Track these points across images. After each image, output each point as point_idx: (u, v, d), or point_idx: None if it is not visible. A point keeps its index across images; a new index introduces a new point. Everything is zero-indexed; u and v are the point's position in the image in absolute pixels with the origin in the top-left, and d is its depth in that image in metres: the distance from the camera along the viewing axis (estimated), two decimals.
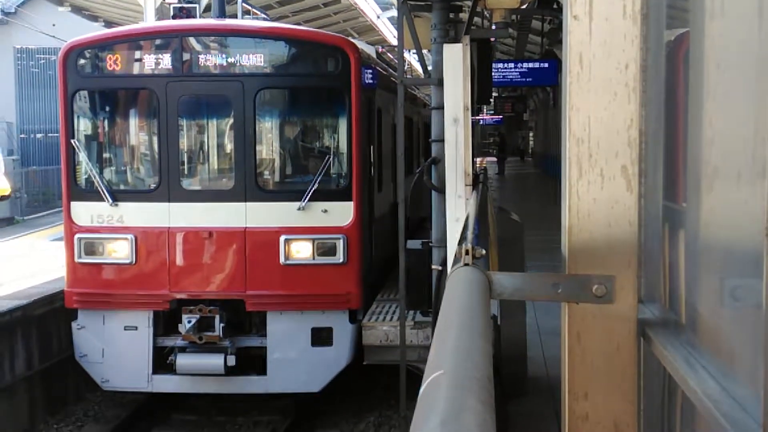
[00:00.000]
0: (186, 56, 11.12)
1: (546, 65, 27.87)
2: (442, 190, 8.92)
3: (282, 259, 10.87)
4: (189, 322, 10.60)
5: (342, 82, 11.08)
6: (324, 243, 10.92)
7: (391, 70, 17.82)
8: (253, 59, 11.10)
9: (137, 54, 11.31)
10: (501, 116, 58.63)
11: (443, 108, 8.00)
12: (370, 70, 12.58)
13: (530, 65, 28.27)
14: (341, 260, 10.92)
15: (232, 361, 10.54)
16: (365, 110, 11.74)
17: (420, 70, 12.55)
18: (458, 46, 7.74)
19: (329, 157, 11.16)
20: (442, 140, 8.62)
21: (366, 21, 29.47)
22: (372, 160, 12.37)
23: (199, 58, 11.13)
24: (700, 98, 2.15)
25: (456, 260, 2.42)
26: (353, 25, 29.35)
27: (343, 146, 11.27)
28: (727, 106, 1.96)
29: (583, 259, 2.33)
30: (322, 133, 12.15)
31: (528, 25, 27.58)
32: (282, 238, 10.87)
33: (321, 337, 10.92)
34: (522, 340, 9.19)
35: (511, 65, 28.19)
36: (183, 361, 10.64)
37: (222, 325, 10.59)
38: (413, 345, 10.21)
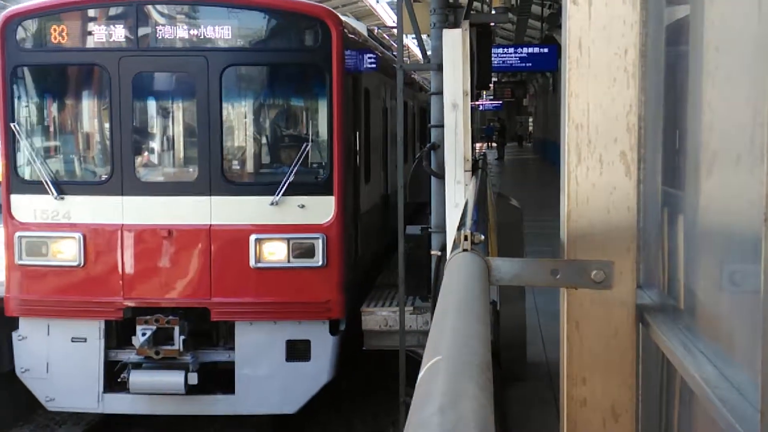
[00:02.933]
0: (143, 28, 9.72)
1: (546, 50, 27.82)
2: (441, 176, 8.92)
3: (252, 262, 9.59)
4: (143, 334, 9.30)
5: (321, 58, 9.73)
6: (301, 243, 9.66)
7: (383, 50, 16.35)
8: (220, 32, 9.72)
9: (87, 25, 9.85)
10: (501, 102, 58.55)
11: (443, 93, 7.98)
12: (357, 47, 11.47)
13: (530, 50, 28.22)
14: (320, 263, 9.63)
15: (193, 379, 9.31)
16: (349, 91, 10.42)
17: (419, 54, 12.20)
18: (457, 31, 7.72)
19: (307, 145, 9.74)
20: (441, 125, 8.61)
21: (365, 6, 29.40)
22: (357, 147, 11.14)
23: (157, 29, 9.71)
24: (699, 83, 2.15)
25: (455, 246, 2.42)
26: (352, 10, 29.30)
27: (323, 132, 9.95)
28: (726, 90, 1.96)
29: (582, 244, 2.33)
30: (298, 117, 10.75)
31: (528, 9, 27.52)
32: (252, 237, 9.58)
33: (297, 350, 9.70)
34: (521, 326, 9.22)
35: (511, 50, 28.14)
36: (137, 379, 9.31)
37: (182, 337, 9.36)
38: (412, 330, 10.22)
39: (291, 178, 9.53)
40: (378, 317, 10.80)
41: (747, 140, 1.75)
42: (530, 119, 71.32)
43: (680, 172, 2.38)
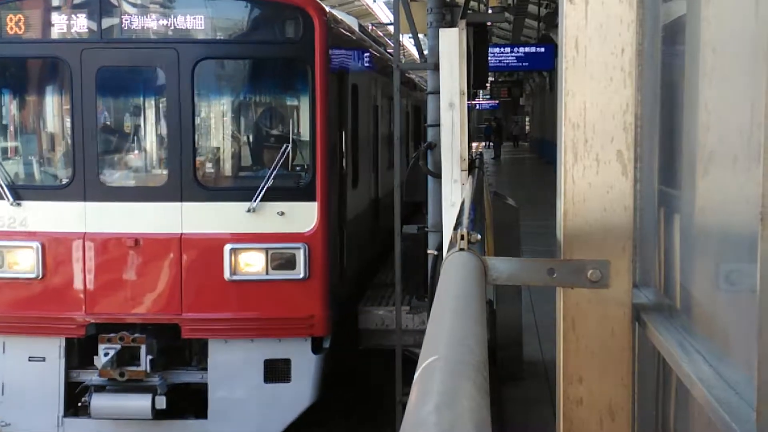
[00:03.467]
0: (108, 18, 8.85)
1: (542, 50, 27.86)
2: (438, 175, 8.93)
3: (227, 274, 8.79)
4: (106, 354, 8.46)
5: (303, 51, 8.93)
6: (280, 253, 8.87)
7: (375, 45, 15.60)
8: (192, 22, 8.85)
9: (47, 15, 8.94)
10: (497, 101, 58.61)
11: (439, 93, 7.99)
12: (345, 40, 10.70)
13: (527, 50, 28.25)
14: (302, 275, 8.83)
15: (161, 403, 8.49)
16: (335, 88, 9.61)
17: (415, 53, 12.09)
18: (454, 31, 7.72)
19: (287, 147, 8.88)
20: (438, 125, 8.61)
21: (362, 5, 29.40)
22: (344, 149, 10.27)
23: (123, 19, 8.82)
24: (695, 82, 2.15)
25: (452, 245, 2.42)
26: (349, 9, 29.27)
27: (305, 132, 9.16)
28: (723, 90, 1.96)
29: (578, 244, 2.33)
30: (278, 116, 9.77)
31: (524, 9, 27.55)
32: (227, 247, 8.78)
33: (276, 371, 8.89)
34: (517, 325, 9.23)
35: (508, 50, 28.17)
36: (99, 402, 8.51)
37: (149, 357, 8.55)
38: (409, 329, 10.23)
39: (270, 183, 8.77)
40: (374, 316, 10.80)
41: (743, 140, 1.75)
42: (527, 118, 71.38)
43: (677, 172, 2.38)
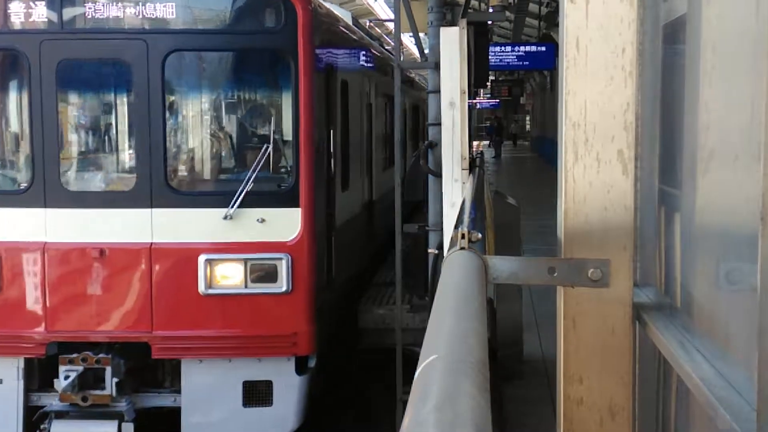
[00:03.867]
0: (70, 6, 8.07)
1: (543, 49, 27.86)
2: (439, 174, 8.93)
3: (202, 288, 7.98)
4: (66, 377, 7.65)
5: (285, 42, 8.14)
6: (260, 265, 8.09)
7: (369, 39, 14.80)
8: (162, 10, 8.03)
9: (3, 3, 8.15)
10: (498, 100, 58.59)
11: (440, 92, 7.98)
12: (333, 32, 9.94)
13: (527, 49, 28.25)
14: (284, 288, 8.04)
15: (129, 430, 7.75)
16: (322, 83, 8.81)
17: (415, 51, 12.03)
18: (455, 30, 7.72)
19: (268, 147, 8.15)
20: (438, 124, 8.61)
21: (362, 3, 29.39)
22: (332, 149, 9.47)
23: (87, 8, 8.02)
24: (696, 82, 2.15)
25: (452, 244, 2.42)
26: (349, 8, 29.27)
27: (288, 131, 8.32)
28: (723, 89, 1.96)
29: (579, 243, 2.34)
30: (258, 114, 8.90)
31: (525, 8, 27.55)
32: (202, 258, 7.98)
33: (256, 393, 8.13)
34: (518, 324, 9.23)
35: (508, 48, 28.17)
36: (60, 430, 7.74)
37: (116, 379, 7.75)
38: (409, 328, 10.23)
39: (249, 187, 7.98)
40: (375, 315, 10.80)
41: (744, 139, 1.75)
42: (527, 117, 71.38)
43: (677, 171, 2.38)
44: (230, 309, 8.13)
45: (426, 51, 10.95)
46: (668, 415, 2.46)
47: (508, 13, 26.40)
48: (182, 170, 8.63)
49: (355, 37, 12.03)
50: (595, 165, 2.33)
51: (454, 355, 1.28)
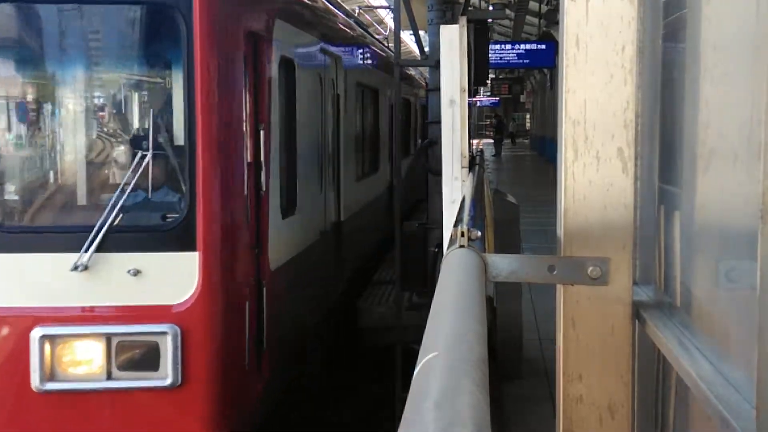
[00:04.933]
0: None
1: (543, 47, 27.86)
2: (438, 173, 8.93)
3: (36, 381, 5.30)
4: None
5: None
6: (132, 342, 5.42)
7: (345, 18, 11.90)
8: None
9: None
10: (498, 98, 58.61)
11: (439, 90, 7.98)
12: None
13: (527, 47, 28.24)
14: (169, 380, 5.38)
15: None
16: (240, 59, 6.04)
17: (415, 49, 11.85)
18: (455, 27, 7.71)
19: (145, 157, 5.49)
20: (438, 122, 8.62)
21: (363, 2, 29.38)
22: (265, 158, 6.58)
23: None
24: (696, 80, 2.15)
25: (452, 242, 2.42)
26: (350, 6, 29.25)
27: (180, 131, 5.60)
28: (724, 88, 1.96)
29: (579, 241, 2.34)
30: (132, 105, 6.00)
31: (525, 6, 27.54)
32: (36, 333, 5.31)
33: None
34: (518, 322, 9.23)
35: (508, 46, 28.17)
36: None
37: None
38: (409, 326, 10.23)
39: (114, 220, 5.42)
40: (374, 314, 10.79)
41: (744, 138, 1.75)
42: (527, 115, 71.39)
43: (677, 170, 2.38)
44: (84, 414, 5.39)
45: (426, 49, 10.94)
46: (667, 413, 2.46)
47: (508, 11, 26.41)
48: (10, 194, 5.68)
49: (308, 1, 8.81)
50: (594, 163, 2.33)
51: (453, 353, 1.28)
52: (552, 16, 27.82)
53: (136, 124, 6.10)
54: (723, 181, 1.94)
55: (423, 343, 1.39)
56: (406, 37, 26.28)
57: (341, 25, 10.90)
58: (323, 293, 9.05)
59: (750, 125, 1.69)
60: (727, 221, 1.93)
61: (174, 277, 5.58)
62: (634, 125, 2.34)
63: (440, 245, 9.22)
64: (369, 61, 12.88)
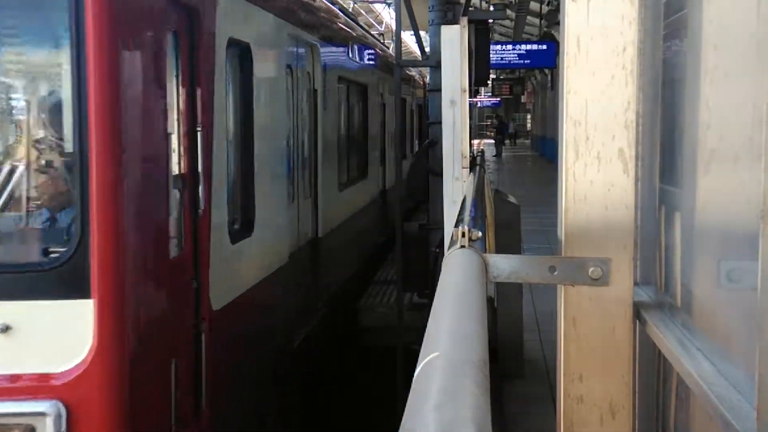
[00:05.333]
0: None
1: (544, 47, 27.85)
2: (439, 173, 8.93)
3: None
4: None
5: None
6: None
7: (326, 2, 10.61)
8: None
9: None
10: (499, 99, 58.61)
11: (440, 90, 7.98)
12: None
13: (528, 47, 28.24)
14: None
15: None
16: (157, 43, 4.73)
17: (416, 50, 11.73)
18: (456, 28, 7.71)
19: (17, 170, 4.29)
20: (439, 122, 8.61)
21: (365, 3, 29.36)
22: (206, 166, 5.37)
23: None
24: (697, 81, 2.15)
25: (452, 242, 2.42)
26: (351, 6, 29.24)
27: (67, 131, 4.31)
28: (725, 88, 1.96)
29: (579, 241, 2.33)
30: (6, 101, 4.59)
31: (526, 6, 27.54)
32: None
33: None
34: (518, 323, 9.22)
35: (509, 47, 28.15)
36: None
37: None
38: (410, 327, 10.23)
39: None
40: (376, 314, 10.79)
41: (745, 138, 1.75)
42: (528, 116, 71.41)
43: (678, 170, 2.38)
44: None
45: (427, 49, 10.94)
46: (668, 414, 2.46)
47: (509, 12, 26.41)
48: None
49: None
50: (595, 163, 2.33)
51: (454, 353, 1.28)
52: (553, 17, 27.81)
53: (11, 124, 4.46)
54: (724, 181, 1.94)
55: (424, 343, 1.39)
56: (406, 36, 26.30)
57: (321, 12, 9.79)
58: (294, 325, 7.64)
59: (751, 126, 1.69)
60: (728, 222, 1.93)
61: (58, 334, 4.07)
62: (635, 126, 2.34)
63: (441, 246, 9.22)
64: (356, 55, 11.52)
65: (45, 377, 4.01)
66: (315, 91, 8.82)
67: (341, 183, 10.47)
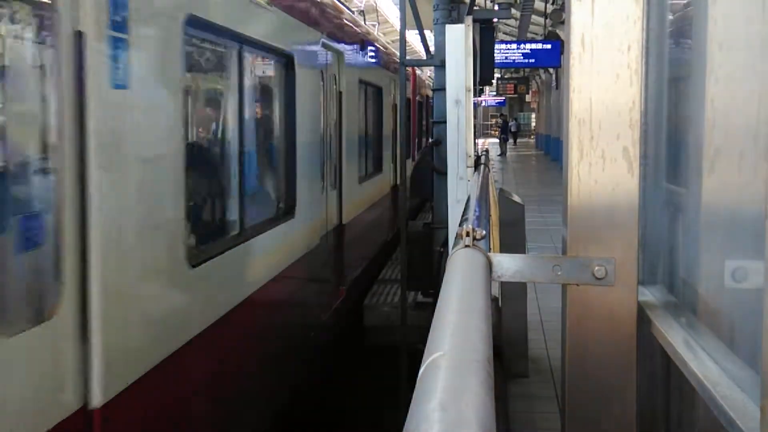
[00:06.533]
0: None
1: (549, 46, 27.80)
2: (444, 172, 8.92)
3: None
4: None
5: None
6: None
7: None
8: None
9: None
10: (503, 98, 58.54)
11: (445, 89, 7.97)
12: None
13: (533, 46, 28.19)
14: None
15: None
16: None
17: (422, 51, 11.67)
18: (460, 27, 7.71)
19: None
20: (444, 122, 8.61)
21: (370, 2, 29.37)
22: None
23: None
24: (702, 80, 2.15)
25: (457, 241, 2.42)
26: (355, 5, 29.24)
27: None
28: (730, 87, 1.96)
29: (584, 241, 2.33)
30: None
31: (531, 5, 27.47)
32: None
33: None
34: (523, 322, 9.21)
35: (514, 46, 28.11)
36: None
37: None
38: (414, 326, 10.22)
39: None
40: (380, 313, 10.79)
41: (750, 137, 1.75)
42: (533, 115, 71.34)
43: (682, 169, 2.38)
44: None
45: (431, 49, 10.93)
46: (673, 413, 2.45)
47: (513, 11, 26.37)
48: None
49: None
50: (600, 162, 2.33)
51: (458, 352, 1.28)
52: (558, 16, 27.77)
53: None
54: (729, 180, 1.93)
55: (428, 342, 1.39)
56: (410, 36, 26.28)
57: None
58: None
59: (756, 125, 1.68)
60: (733, 221, 1.93)
61: None
62: (640, 125, 2.33)
63: (445, 245, 9.22)
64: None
65: None
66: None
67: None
